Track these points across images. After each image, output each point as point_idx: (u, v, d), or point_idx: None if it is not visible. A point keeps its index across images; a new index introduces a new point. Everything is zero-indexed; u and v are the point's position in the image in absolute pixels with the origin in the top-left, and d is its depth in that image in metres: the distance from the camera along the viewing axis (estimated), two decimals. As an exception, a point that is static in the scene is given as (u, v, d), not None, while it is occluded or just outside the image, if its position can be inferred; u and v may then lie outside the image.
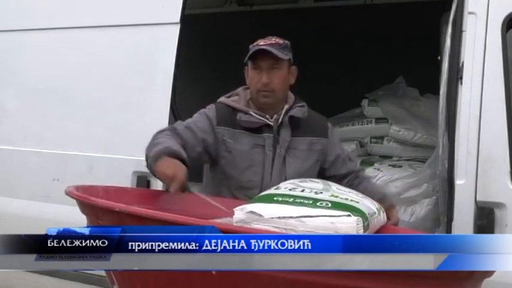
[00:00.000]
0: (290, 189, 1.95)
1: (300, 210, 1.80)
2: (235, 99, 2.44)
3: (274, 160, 2.35)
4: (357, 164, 2.67)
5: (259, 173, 2.33)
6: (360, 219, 1.79)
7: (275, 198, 1.88)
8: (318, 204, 1.83)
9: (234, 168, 2.34)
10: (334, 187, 2.04)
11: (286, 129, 2.38)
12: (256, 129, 2.37)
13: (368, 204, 1.97)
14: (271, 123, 2.37)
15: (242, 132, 2.36)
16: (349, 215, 1.78)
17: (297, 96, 2.49)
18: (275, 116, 2.38)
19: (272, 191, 2.00)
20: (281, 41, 2.37)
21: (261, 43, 2.35)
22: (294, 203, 1.83)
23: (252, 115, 2.37)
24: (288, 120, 2.38)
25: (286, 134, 2.37)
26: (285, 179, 2.24)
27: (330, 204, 1.83)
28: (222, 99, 2.47)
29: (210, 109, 2.43)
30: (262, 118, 2.37)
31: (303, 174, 2.30)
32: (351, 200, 1.90)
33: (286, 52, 2.36)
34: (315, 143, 2.42)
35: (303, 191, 1.93)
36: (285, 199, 1.86)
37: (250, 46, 2.37)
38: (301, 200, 1.85)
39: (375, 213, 1.97)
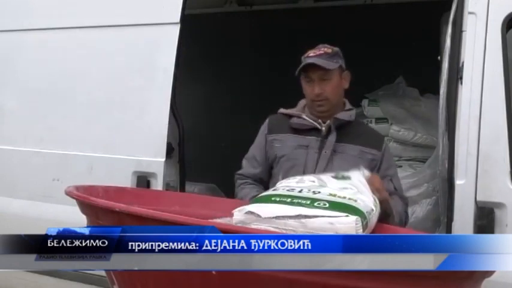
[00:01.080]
0: (288, 190, 1.95)
1: (298, 210, 1.80)
2: (294, 108, 2.55)
3: (319, 162, 2.39)
4: (397, 187, 2.61)
5: (301, 173, 2.32)
6: (359, 219, 1.79)
7: (273, 199, 1.89)
8: (315, 204, 1.83)
9: (280, 169, 2.42)
10: (331, 184, 2.03)
11: (333, 133, 2.44)
12: (305, 132, 2.45)
13: (366, 201, 1.96)
14: (320, 127, 2.43)
15: (289, 135, 2.46)
16: (347, 216, 1.78)
17: (347, 101, 2.57)
18: (328, 121, 2.45)
19: (270, 191, 2.00)
20: (329, 50, 2.43)
21: (311, 54, 2.41)
22: (291, 203, 1.84)
23: (304, 118, 2.45)
24: (335, 123, 2.43)
25: (333, 137, 2.43)
26: None
27: (327, 204, 1.83)
28: (280, 110, 2.58)
29: (264, 123, 2.57)
30: (313, 122, 2.44)
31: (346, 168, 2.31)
32: (349, 199, 1.90)
33: (337, 59, 2.43)
34: (366, 152, 2.45)
35: (300, 191, 1.93)
36: (283, 199, 1.86)
37: (302, 58, 2.45)
38: (299, 200, 1.85)
39: (372, 210, 1.96)
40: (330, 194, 1.91)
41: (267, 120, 2.57)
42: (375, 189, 2.13)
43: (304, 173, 2.33)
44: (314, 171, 2.35)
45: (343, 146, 2.42)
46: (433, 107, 3.21)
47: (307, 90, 2.46)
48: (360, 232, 1.79)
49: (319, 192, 1.92)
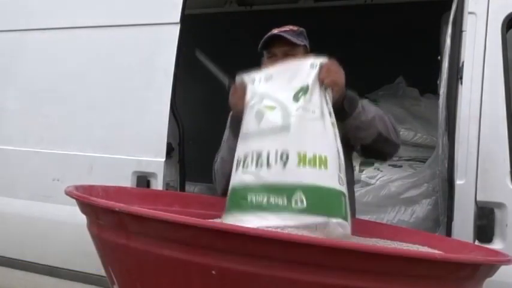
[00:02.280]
0: (256, 164, 1.90)
1: (280, 219, 1.80)
2: None
3: None
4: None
5: None
6: (339, 220, 1.80)
7: (248, 202, 1.87)
8: (293, 206, 1.80)
9: None
10: (294, 120, 1.93)
11: None
12: None
13: (336, 173, 1.89)
14: None
15: None
16: (326, 222, 1.79)
17: None
18: None
19: (239, 179, 1.95)
20: (295, 28, 2.33)
21: (275, 31, 2.30)
22: (268, 208, 1.82)
23: None
24: None
25: None
26: None
27: (304, 204, 1.80)
28: None
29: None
30: None
31: None
32: (319, 164, 1.85)
33: (302, 39, 2.32)
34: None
35: (268, 163, 1.87)
36: (258, 202, 1.85)
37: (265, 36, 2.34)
38: (275, 200, 1.83)
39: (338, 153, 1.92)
40: (299, 157, 1.85)
41: None
42: (331, 81, 2.01)
43: None
44: None
45: None
46: (433, 107, 3.20)
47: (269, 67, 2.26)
48: (347, 229, 1.81)
49: (286, 159, 1.86)
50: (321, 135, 1.91)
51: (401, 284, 1.52)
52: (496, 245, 2.34)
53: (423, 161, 3.49)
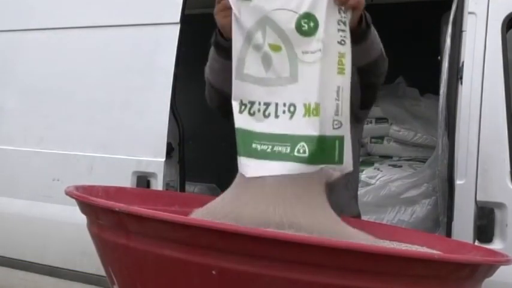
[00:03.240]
0: (264, 114, 1.88)
1: (281, 167, 1.80)
2: None
3: None
4: None
5: None
6: (333, 166, 1.80)
7: (253, 148, 1.87)
8: (295, 155, 1.80)
9: None
10: (303, 74, 1.86)
11: None
12: None
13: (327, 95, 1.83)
14: None
15: None
16: (321, 168, 1.79)
17: None
18: None
19: (245, 124, 1.91)
20: None
21: None
22: (272, 155, 1.83)
23: None
24: None
25: None
26: None
27: (306, 154, 1.79)
28: None
29: None
30: None
31: None
32: (319, 114, 1.80)
33: None
34: None
35: (276, 115, 1.86)
36: (263, 149, 1.85)
37: None
38: (279, 149, 1.83)
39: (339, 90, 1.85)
40: (305, 108, 1.82)
41: None
42: (356, 2, 1.88)
43: None
44: None
45: None
46: (433, 107, 3.21)
47: None
48: (345, 169, 1.82)
49: (294, 110, 1.84)
50: (323, 80, 1.84)
51: (401, 284, 1.51)
52: (496, 245, 2.34)
53: (423, 161, 3.49)
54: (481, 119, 2.42)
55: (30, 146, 3.42)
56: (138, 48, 3.18)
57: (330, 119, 1.83)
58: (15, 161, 3.46)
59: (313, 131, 1.81)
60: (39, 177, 3.36)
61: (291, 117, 1.85)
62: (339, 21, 1.87)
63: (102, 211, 1.75)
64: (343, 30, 1.86)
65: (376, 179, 3.39)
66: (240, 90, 1.94)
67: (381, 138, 3.87)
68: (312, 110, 1.82)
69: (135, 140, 3.10)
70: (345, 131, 1.85)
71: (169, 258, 1.57)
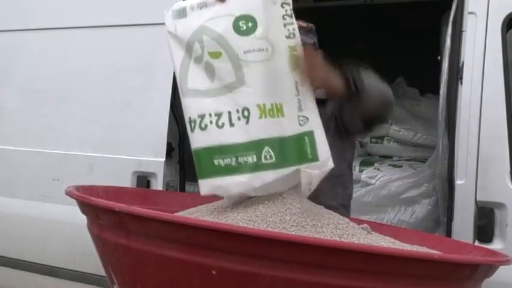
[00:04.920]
0: (217, 125, 1.80)
1: (252, 179, 1.75)
2: None
3: None
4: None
5: None
6: (309, 164, 1.75)
7: (216, 166, 1.78)
8: (263, 162, 1.74)
9: None
10: (249, 75, 1.80)
11: None
12: None
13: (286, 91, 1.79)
14: None
15: None
16: (297, 169, 1.75)
17: None
18: None
19: (199, 142, 1.83)
20: (305, 25, 2.28)
21: None
22: (239, 168, 1.76)
23: None
24: None
25: None
26: None
27: (273, 158, 1.74)
28: None
29: None
30: None
31: None
32: (278, 112, 1.76)
33: (311, 36, 2.29)
34: (328, 105, 2.25)
35: (231, 123, 1.78)
36: (227, 164, 1.77)
37: None
38: (244, 159, 1.75)
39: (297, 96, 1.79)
40: (260, 109, 1.76)
41: None
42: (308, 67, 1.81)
43: None
44: None
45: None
46: (433, 107, 3.20)
47: None
48: (324, 166, 1.77)
49: (248, 114, 1.76)
50: (276, 78, 1.79)
51: (401, 284, 1.52)
52: (496, 245, 2.34)
53: (423, 161, 3.49)
54: (481, 119, 2.42)
55: (29, 146, 3.41)
56: (138, 48, 3.17)
57: (293, 116, 1.77)
58: (15, 161, 3.46)
59: (274, 133, 1.75)
60: (38, 177, 3.36)
61: (247, 122, 1.77)
62: (284, 16, 1.82)
63: (103, 211, 1.75)
64: (290, 24, 1.81)
65: (376, 179, 3.38)
66: (188, 108, 1.87)
67: (381, 138, 3.87)
68: (268, 111, 1.76)
69: (135, 140, 3.10)
70: (314, 125, 1.78)
71: (169, 258, 1.58)
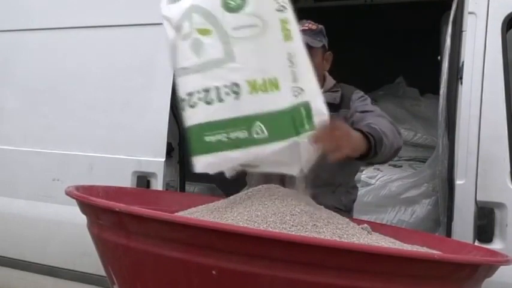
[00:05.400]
0: (206, 101, 1.76)
1: (246, 154, 1.71)
2: None
3: None
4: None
5: None
6: (307, 134, 1.70)
7: (207, 142, 1.74)
8: (255, 137, 1.70)
9: None
10: (239, 51, 1.77)
11: None
12: None
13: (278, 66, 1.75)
14: None
15: None
16: (296, 142, 1.70)
17: (337, 82, 2.38)
18: None
19: (191, 120, 1.80)
20: (314, 27, 2.27)
21: None
22: (230, 144, 1.72)
23: None
24: None
25: None
26: None
27: (266, 133, 1.70)
28: None
29: None
30: None
31: (324, 154, 2.18)
32: (271, 86, 1.72)
33: (320, 38, 2.27)
34: (340, 112, 2.26)
35: (219, 98, 1.74)
36: (218, 140, 1.73)
37: None
38: (234, 135, 1.71)
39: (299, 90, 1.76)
40: (250, 85, 1.72)
41: None
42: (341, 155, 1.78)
43: None
44: None
45: None
46: (433, 107, 3.21)
47: None
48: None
49: (238, 90, 1.72)
50: (268, 53, 1.76)
51: (401, 284, 1.52)
52: (496, 245, 2.34)
53: (423, 161, 3.49)
54: (481, 119, 2.42)
55: (30, 146, 3.42)
56: (138, 48, 3.17)
57: (287, 88, 1.74)
58: (15, 161, 3.46)
59: (265, 108, 1.72)
60: (39, 177, 3.36)
61: (237, 97, 1.73)
62: None
63: (102, 211, 1.75)
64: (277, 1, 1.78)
65: (376, 179, 3.39)
66: (179, 87, 1.84)
67: (381, 138, 3.86)
68: (260, 86, 1.72)
69: (135, 140, 3.10)
70: (310, 95, 1.75)
71: (169, 258, 1.58)
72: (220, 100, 1.75)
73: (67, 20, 3.41)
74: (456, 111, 2.50)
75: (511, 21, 2.45)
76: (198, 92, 1.78)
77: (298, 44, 1.79)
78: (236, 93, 1.74)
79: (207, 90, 1.76)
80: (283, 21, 1.78)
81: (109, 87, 3.23)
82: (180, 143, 3.34)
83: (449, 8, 2.63)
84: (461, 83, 2.49)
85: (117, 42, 3.24)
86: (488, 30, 2.46)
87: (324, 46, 2.30)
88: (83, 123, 3.29)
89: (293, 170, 1.82)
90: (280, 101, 1.73)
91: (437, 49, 2.98)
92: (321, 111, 1.74)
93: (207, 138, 1.76)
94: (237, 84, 1.74)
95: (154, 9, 3.16)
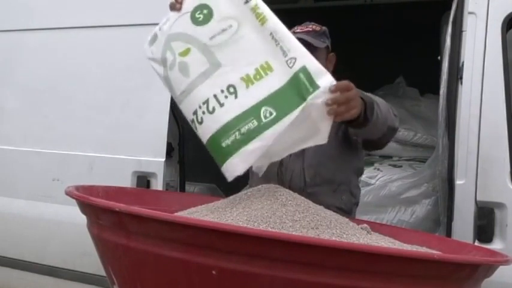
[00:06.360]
0: (209, 111, 1.80)
1: (263, 141, 1.72)
2: None
3: None
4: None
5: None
6: (315, 93, 1.68)
7: (225, 147, 1.76)
8: (264, 121, 1.72)
9: None
10: (222, 56, 1.84)
11: None
12: None
13: (265, 50, 1.78)
14: None
15: None
16: (304, 107, 1.69)
17: None
18: None
19: (203, 134, 1.84)
20: (318, 28, 2.28)
21: (298, 30, 2.25)
22: (245, 138, 1.73)
23: None
24: None
25: None
26: (303, 162, 2.22)
27: (274, 113, 1.72)
28: None
29: None
30: None
31: (323, 148, 2.17)
32: (264, 69, 1.76)
33: (324, 39, 2.28)
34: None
35: (220, 103, 1.79)
36: (233, 140, 1.75)
37: None
38: (246, 127, 1.74)
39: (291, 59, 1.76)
40: (244, 81, 1.77)
41: None
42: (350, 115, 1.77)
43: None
44: (289, 156, 2.18)
45: None
46: (433, 107, 3.21)
47: None
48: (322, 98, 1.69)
49: (234, 90, 1.77)
50: (251, 44, 1.81)
51: (401, 284, 1.52)
52: (496, 245, 2.34)
53: (423, 161, 3.49)
54: (481, 119, 2.42)
55: (30, 146, 3.42)
56: (138, 48, 3.16)
57: (282, 63, 1.76)
58: (15, 161, 3.46)
59: (266, 93, 1.75)
60: (39, 177, 3.36)
61: (236, 96, 1.78)
62: None
63: (102, 211, 1.75)
64: None
65: (376, 179, 3.39)
66: (185, 113, 1.91)
67: (381, 138, 3.86)
68: (254, 77, 1.77)
69: (135, 140, 3.10)
70: (304, 59, 1.74)
71: (169, 258, 1.58)
72: (222, 105, 1.80)
73: (67, 20, 3.41)
74: (456, 111, 2.50)
75: (511, 21, 2.45)
76: (200, 106, 1.84)
77: (274, 21, 1.82)
78: (234, 93, 1.79)
79: (206, 102, 1.82)
80: (254, 9, 1.83)
81: (109, 87, 3.23)
82: (180, 143, 3.34)
83: (449, 8, 2.63)
84: (461, 83, 2.49)
85: (117, 42, 3.24)
86: (488, 30, 2.46)
87: (327, 47, 2.31)
88: (83, 123, 3.29)
89: (318, 139, 1.79)
90: (277, 79, 1.75)
91: (437, 49, 2.98)
92: (319, 70, 1.74)
93: (224, 144, 1.79)
94: (232, 85, 1.79)
95: (154, 9, 3.18)
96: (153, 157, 3.03)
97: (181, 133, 3.33)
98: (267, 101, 1.75)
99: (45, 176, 3.32)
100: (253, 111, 1.75)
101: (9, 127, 3.53)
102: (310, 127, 1.77)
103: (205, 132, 1.84)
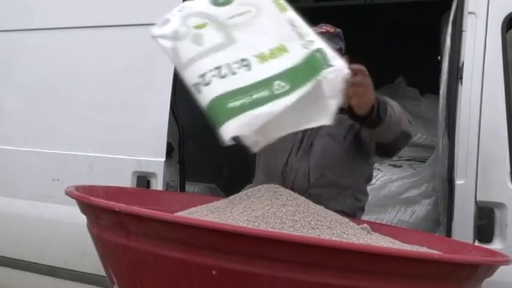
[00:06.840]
0: (220, 76, 1.79)
1: (273, 107, 1.70)
2: None
3: (303, 141, 2.25)
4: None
5: (286, 152, 2.24)
6: (328, 70, 1.69)
7: (231, 108, 1.72)
8: (277, 93, 1.71)
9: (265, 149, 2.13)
10: (239, 34, 1.86)
11: None
12: None
13: (285, 34, 1.82)
14: None
15: None
16: (317, 81, 1.69)
17: None
18: None
19: (209, 95, 1.79)
20: (332, 30, 2.28)
21: None
22: (255, 104, 1.71)
23: None
24: None
25: None
26: (309, 162, 2.21)
27: (288, 86, 1.71)
28: None
29: None
30: None
31: (331, 150, 2.16)
32: (279, 50, 1.78)
33: (338, 41, 2.27)
34: (344, 118, 2.16)
35: (232, 72, 1.78)
36: (242, 103, 1.72)
37: None
38: (257, 95, 1.72)
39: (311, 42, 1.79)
40: (258, 58, 1.78)
41: None
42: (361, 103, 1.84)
43: (289, 155, 2.23)
44: (297, 151, 2.24)
45: (329, 127, 2.08)
46: (433, 107, 3.21)
47: None
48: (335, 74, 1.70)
49: (248, 63, 1.77)
50: (268, 28, 1.83)
51: (401, 284, 1.52)
52: (496, 245, 2.34)
53: (423, 161, 3.49)
54: (481, 119, 2.42)
55: (30, 146, 3.42)
56: (138, 48, 3.17)
57: (297, 46, 1.78)
58: (15, 161, 3.46)
59: (280, 69, 1.75)
60: (39, 177, 3.36)
61: (249, 69, 1.78)
62: None
63: (102, 211, 1.75)
64: None
65: (376, 179, 3.38)
66: (188, 77, 1.88)
67: (381, 138, 3.86)
68: (269, 55, 1.78)
69: (135, 140, 3.10)
70: (321, 45, 1.76)
71: (169, 258, 1.58)
72: (234, 73, 1.79)
73: (67, 20, 3.41)
74: (456, 111, 2.50)
75: (511, 21, 2.45)
76: (210, 70, 1.81)
77: (293, 13, 1.86)
78: (247, 66, 1.79)
79: (218, 68, 1.80)
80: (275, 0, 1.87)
81: (109, 87, 3.23)
82: (180, 143, 3.34)
83: (449, 8, 2.63)
84: (461, 83, 2.49)
85: (117, 42, 3.24)
86: (488, 30, 2.46)
87: (340, 49, 2.29)
88: (83, 123, 3.29)
89: (323, 119, 1.78)
90: (293, 58, 1.76)
91: (437, 49, 2.98)
92: (335, 55, 1.75)
93: (231, 105, 1.74)
94: (245, 59, 1.79)
95: (154, 9, 3.18)
96: (153, 157, 3.03)
97: (181, 133, 3.33)
98: (281, 75, 1.74)
99: (45, 176, 3.32)
100: (267, 84, 1.74)
101: (9, 127, 3.53)
102: (317, 105, 1.75)
103: (210, 92, 1.79)
